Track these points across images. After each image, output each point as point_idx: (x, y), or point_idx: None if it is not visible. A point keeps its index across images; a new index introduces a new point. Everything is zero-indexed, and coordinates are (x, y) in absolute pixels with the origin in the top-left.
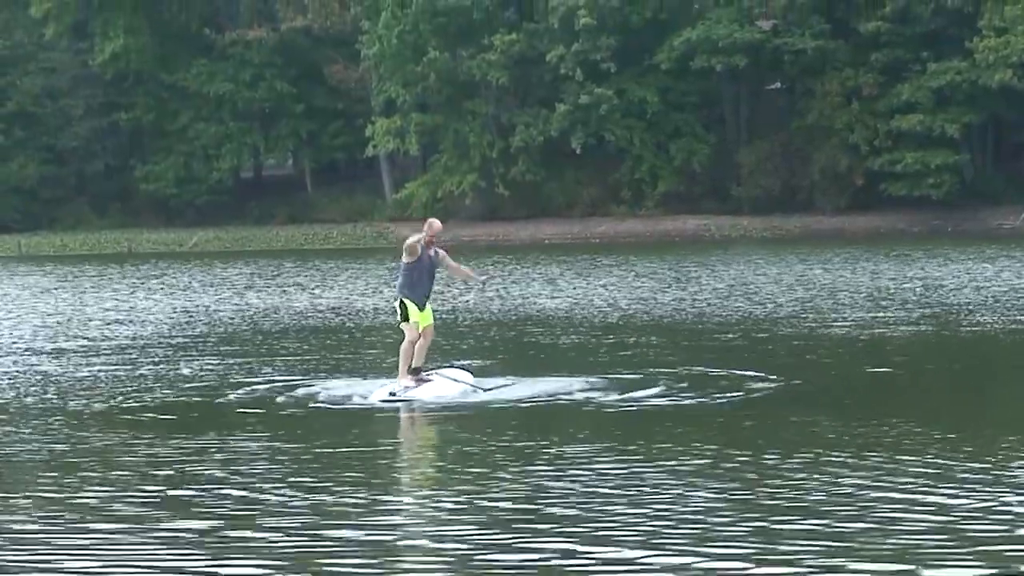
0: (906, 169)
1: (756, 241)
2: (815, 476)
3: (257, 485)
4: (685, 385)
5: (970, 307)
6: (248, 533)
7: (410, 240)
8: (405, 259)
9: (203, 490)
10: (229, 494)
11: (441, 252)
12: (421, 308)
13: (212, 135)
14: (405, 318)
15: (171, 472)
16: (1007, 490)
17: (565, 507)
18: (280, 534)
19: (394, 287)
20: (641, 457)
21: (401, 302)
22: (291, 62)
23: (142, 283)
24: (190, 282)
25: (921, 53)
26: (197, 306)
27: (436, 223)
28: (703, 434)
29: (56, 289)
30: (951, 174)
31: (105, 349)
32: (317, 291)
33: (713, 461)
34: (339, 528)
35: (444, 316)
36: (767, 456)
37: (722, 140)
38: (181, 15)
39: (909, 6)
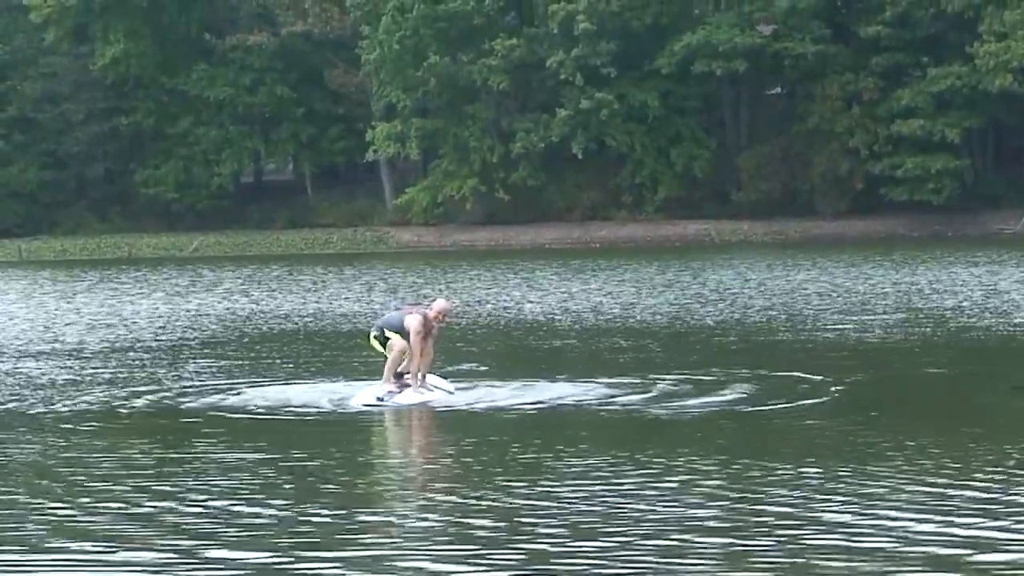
0: (906, 174)
1: (756, 245)
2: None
3: (209, 500)
4: (689, 389)
5: (974, 311)
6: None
7: (416, 326)
8: (413, 335)
9: (130, 500)
10: (197, 508)
11: (435, 330)
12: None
13: (213, 140)
14: (385, 343)
15: (95, 483)
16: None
17: (544, 521)
18: (243, 550)
19: (376, 319)
20: (625, 467)
21: (381, 332)
22: (291, 67)
23: (132, 288)
24: (186, 286)
25: (921, 58)
26: (182, 311)
27: (445, 305)
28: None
29: (45, 294)
30: (951, 179)
31: (82, 354)
32: (306, 296)
33: (693, 471)
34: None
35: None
36: (806, 467)
37: (722, 144)
38: (181, 20)
39: (909, 11)
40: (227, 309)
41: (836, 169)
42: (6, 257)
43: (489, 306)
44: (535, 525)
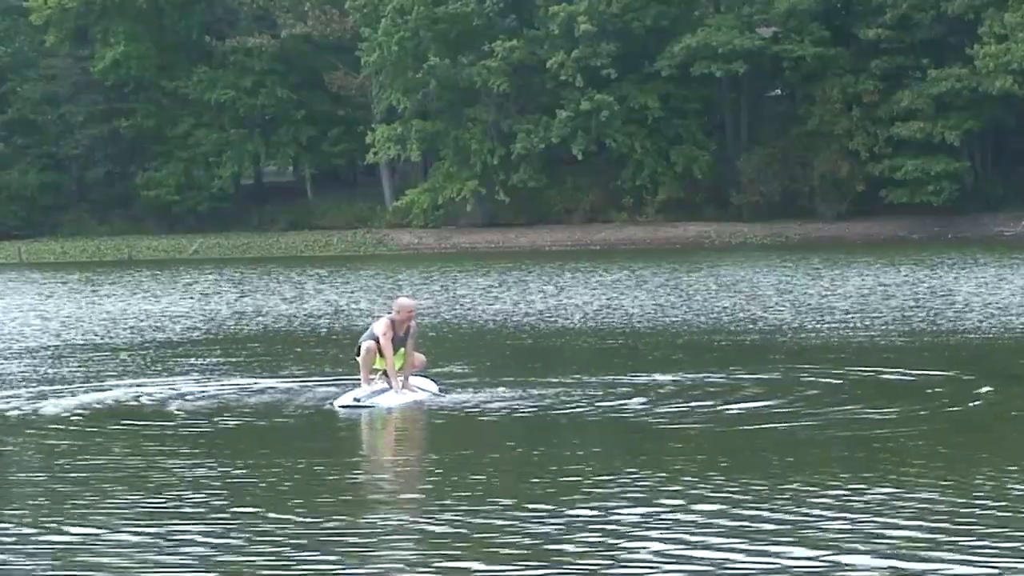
0: (906, 176)
1: (756, 247)
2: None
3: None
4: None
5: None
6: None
7: (382, 329)
8: (381, 337)
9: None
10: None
11: (413, 327)
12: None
13: (213, 142)
14: (359, 353)
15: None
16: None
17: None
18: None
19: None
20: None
21: (359, 348)
22: (291, 69)
23: (120, 289)
24: (178, 287)
25: (921, 60)
26: (155, 312)
27: (406, 302)
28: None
29: (28, 295)
30: (951, 181)
31: (37, 354)
32: (290, 297)
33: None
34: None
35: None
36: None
37: (722, 147)
38: (181, 22)
39: (909, 13)
40: (212, 309)
41: (836, 171)
42: (6, 259)
43: (460, 306)
44: (531, 527)
